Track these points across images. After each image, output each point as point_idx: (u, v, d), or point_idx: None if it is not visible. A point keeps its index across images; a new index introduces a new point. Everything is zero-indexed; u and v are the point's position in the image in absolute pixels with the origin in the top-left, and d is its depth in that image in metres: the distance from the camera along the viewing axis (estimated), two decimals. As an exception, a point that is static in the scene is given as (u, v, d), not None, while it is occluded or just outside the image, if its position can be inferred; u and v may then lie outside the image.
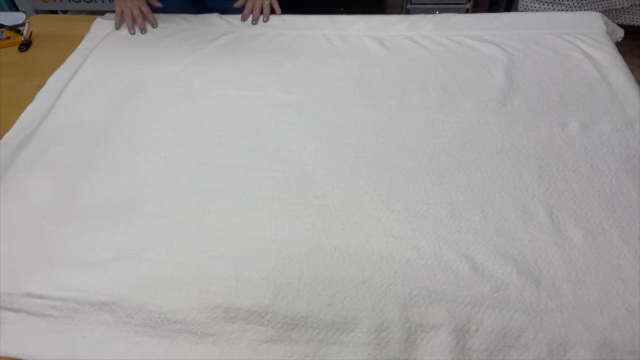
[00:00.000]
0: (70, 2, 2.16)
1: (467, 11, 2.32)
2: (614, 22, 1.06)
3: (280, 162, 0.83)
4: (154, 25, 1.16)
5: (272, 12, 1.17)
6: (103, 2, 2.14)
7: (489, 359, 0.59)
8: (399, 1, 2.17)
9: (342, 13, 1.08)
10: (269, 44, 1.11)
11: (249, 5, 1.15)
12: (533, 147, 0.80)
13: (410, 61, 1.01)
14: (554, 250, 0.66)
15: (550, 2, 1.68)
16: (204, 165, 0.83)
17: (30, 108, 1.00)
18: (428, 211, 0.73)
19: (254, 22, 1.14)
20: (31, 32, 1.24)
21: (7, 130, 0.95)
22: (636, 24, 1.78)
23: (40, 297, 0.67)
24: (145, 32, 1.14)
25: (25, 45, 1.20)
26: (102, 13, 1.30)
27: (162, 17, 1.21)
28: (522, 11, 1.77)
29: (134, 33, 1.14)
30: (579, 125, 0.83)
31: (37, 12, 2.21)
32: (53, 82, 1.07)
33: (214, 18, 1.21)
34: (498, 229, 0.70)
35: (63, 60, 1.13)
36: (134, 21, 1.16)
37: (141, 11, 1.16)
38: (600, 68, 0.93)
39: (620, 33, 1.06)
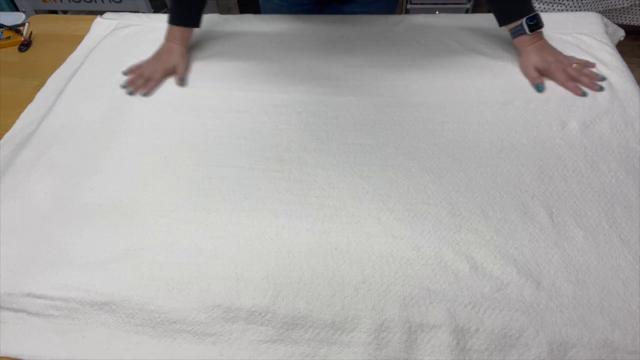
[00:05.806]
0: (70, 2, 2.16)
1: (467, 11, 2.32)
2: (613, 22, 1.06)
3: (280, 162, 0.83)
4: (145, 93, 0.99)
5: None
6: (103, 2, 2.14)
7: (489, 359, 0.59)
8: (399, 1, 2.17)
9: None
10: (269, 44, 1.10)
11: None
12: (533, 147, 0.80)
13: (410, 61, 1.02)
14: (554, 250, 0.66)
15: (550, 2, 1.68)
16: (204, 165, 0.83)
17: (30, 108, 1.00)
18: (428, 211, 0.73)
19: None
20: (31, 32, 1.24)
21: (7, 130, 0.95)
22: (636, 24, 1.78)
23: (41, 297, 0.67)
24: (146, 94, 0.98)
25: (25, 45, 1.20)
26: (102, 13, 1.30)
27: (162, 18, 1.21)
28: (522, 11, 1.77)
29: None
30: (579, 125, 0.83)
31: (37, 12, 2.21)
32: (53, 82, 1.07)
33: (214, 18, 1.21)
34: (498, 229, 0.70)
35: (63, 60, 1.13)
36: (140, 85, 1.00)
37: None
38: (600, 68, 0.93)
39: (621, 33, 1.06)
